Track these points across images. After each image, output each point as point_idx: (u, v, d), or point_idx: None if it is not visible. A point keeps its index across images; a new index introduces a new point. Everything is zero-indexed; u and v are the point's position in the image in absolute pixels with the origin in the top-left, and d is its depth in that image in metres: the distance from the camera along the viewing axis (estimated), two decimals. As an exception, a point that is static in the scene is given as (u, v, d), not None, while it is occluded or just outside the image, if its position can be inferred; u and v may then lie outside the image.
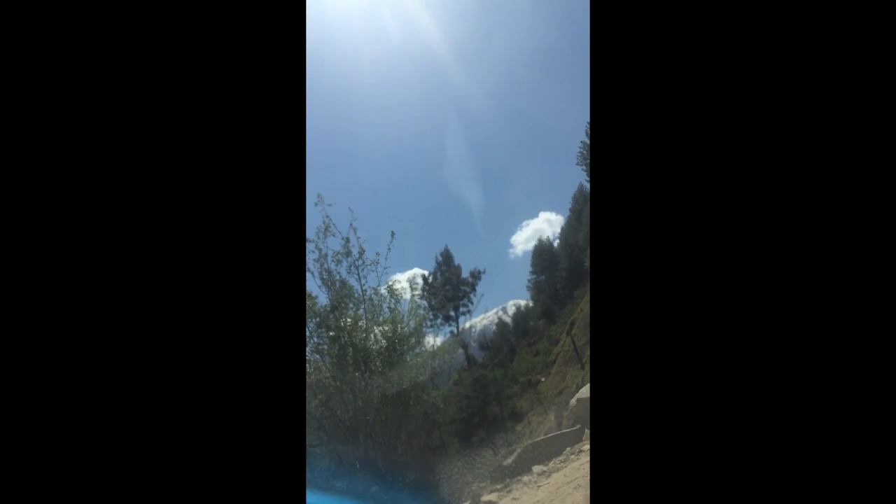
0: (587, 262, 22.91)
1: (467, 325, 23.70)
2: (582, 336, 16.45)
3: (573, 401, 7.26)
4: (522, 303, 31.64)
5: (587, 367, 12.50)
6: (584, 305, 18.87)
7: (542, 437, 7.20)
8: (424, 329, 5.92)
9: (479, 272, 25.71)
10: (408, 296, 5.73)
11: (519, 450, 6.66)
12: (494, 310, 33.76)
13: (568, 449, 5.64)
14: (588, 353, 14.10)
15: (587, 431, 6.06)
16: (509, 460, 5.98)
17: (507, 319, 30.18)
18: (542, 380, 18.78)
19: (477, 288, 24.89)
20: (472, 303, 24.32)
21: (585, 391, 7.09)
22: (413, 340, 5.56)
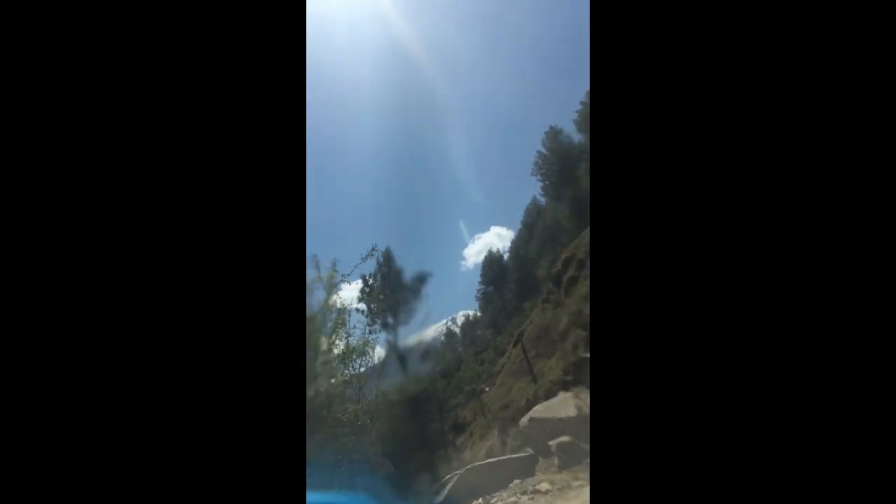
0: (538, 273, 22.65)
1: (414, 336, 22.35)
2: (532, 348, 15.73)
3: (524, 420, 6.07)
4: (471, 313, 31.49)
5: (540, 380, 11.64)
6: (535, 317, 18.38)
7: (484, 462, 5.99)
8: (344, 330, 4.61)
9: (426, 275, 24.40)
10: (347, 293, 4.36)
11: (455, 478, 5.47)
12: (444, 321, 33.12)
13: (517, 482, 4.44)
14: (539, 366, 13.40)
15: (542, 461, 4.90)
16: (440, 498, 4.72)
17: (456, 330, 29.86)
18: (486, 389, 18.16)
19: (422, 292, 23.58)
20: (415, 310, 22.95)
21: (541, 410, 5.90)
22: (325, 345, 4.23)
